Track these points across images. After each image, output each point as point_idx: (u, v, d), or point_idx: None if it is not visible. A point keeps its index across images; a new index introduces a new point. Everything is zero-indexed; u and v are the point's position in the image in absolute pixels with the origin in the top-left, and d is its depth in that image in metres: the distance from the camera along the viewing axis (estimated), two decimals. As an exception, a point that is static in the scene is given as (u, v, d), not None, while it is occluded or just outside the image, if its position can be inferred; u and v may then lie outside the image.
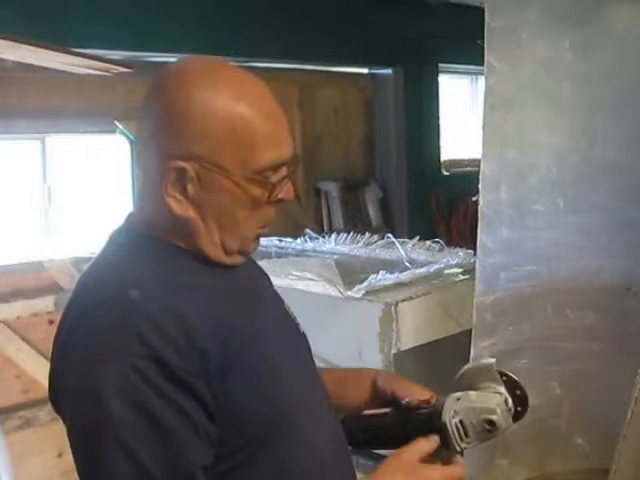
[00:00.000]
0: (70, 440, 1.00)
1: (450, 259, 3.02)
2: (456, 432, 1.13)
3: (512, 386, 1.18)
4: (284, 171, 1.07)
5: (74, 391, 0.97)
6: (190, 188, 1.03)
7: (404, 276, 2.76)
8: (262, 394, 1.03)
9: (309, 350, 1.22)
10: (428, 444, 1.12)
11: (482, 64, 2.34)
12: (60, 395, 1.02)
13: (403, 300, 2.53)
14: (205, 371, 0.97)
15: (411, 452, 1.10)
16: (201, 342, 0.97)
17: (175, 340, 0.96)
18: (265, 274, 1.26)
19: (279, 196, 1.07)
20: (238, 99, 1.03)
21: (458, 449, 1.14)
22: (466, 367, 1.22)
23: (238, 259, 1.11)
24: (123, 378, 0.93)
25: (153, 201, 1.06)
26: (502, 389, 1.17)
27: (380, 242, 3.43)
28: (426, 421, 1.15)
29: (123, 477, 0.92)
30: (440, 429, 1.13)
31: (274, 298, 1.22)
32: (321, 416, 1.15)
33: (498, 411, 1.14)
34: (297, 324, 1.23)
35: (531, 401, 1.19)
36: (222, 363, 0.99)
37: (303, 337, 1.23)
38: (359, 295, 2.58)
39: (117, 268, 1.05)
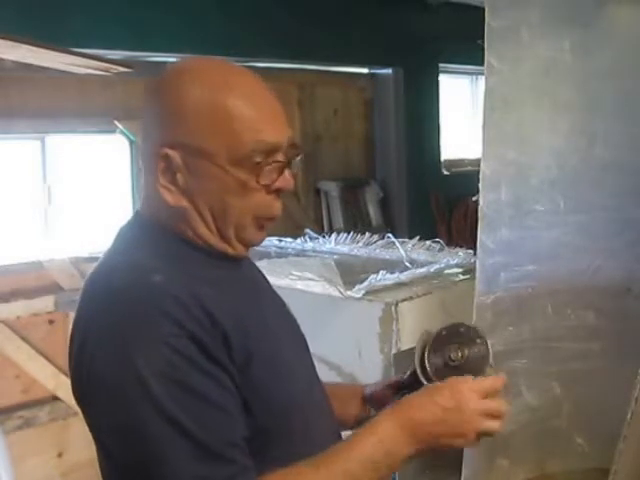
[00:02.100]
0: (105, 427, 0.98)
1: (450, 259, 3.02)
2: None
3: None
4: (279, 157, 1.07)
5: (112, 380, 0.96)
6: (180, 177, 1.04)
7: (404, 276, 2.76)
8: (275, 387, 1.04)
9: (308, 350, 1.24)
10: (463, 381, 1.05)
11: (482, 64, 2.34)
12: (90, 385, 1.00)
13: (403, 300, 2.53)
14: (229, 355, 0.99)
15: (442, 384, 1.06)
16: (223, 327, 0.99)
17: (202, 321, 0.97)
18: (263, 275, 1.27)
19: (277, 185, 1.07)
20: (221, 85, 1.05)
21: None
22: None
23: (240, 249, 1.11)
24: (162, 358, 0.94)
25: (152, 195, 1.08)
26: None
27: (380, 242, 3.43)
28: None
29: (178, 449, 0.92)
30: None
31: (276, 298, 1.24)
32: (322, 414, 1.16)
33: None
34: (297, 324, 1.25)
35: (531, 401, 1.19)
36: (243, 352, 1.00)
37: (303, 337, 1.24)
38: (359, 295, 2.57)
39: (133, 258, 1.06)
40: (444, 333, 1.12)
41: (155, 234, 1.08)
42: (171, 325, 0.95)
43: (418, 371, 1.10)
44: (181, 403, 0.94)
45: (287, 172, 1.08)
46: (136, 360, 0.94)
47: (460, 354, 1.08)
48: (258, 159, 1.04)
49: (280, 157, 1.07)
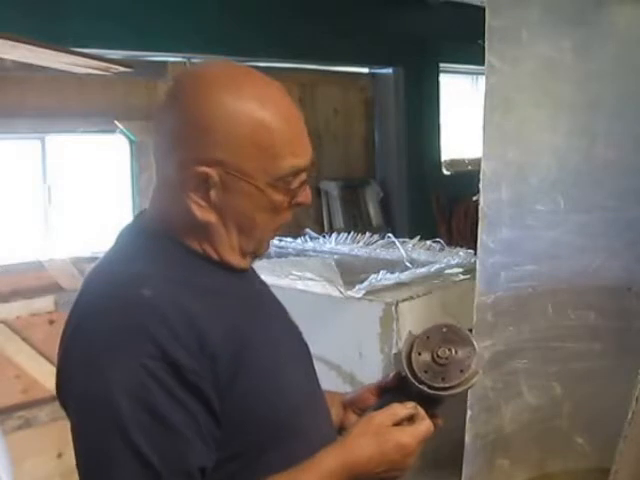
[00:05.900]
0: (75, 437, 0.99)
1: (451, 259, 3.02)
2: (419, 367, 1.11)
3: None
4: (303, 176, 1.08)
5: (83, 389, 0.97)
6: (213, 194, 1.03)
7: (404, 276, 2.76)
8: (269, 398, 1.03)
9: (311, 359, 1.22)
10: (402, 408, 1.10)
11: (483, 64, 2.34)
12: (68, 393, 1.01)
13: (404, 300, 2.54)
14: (214, 374, 0.97)
15: (383, 415, 1.09)
16: (212, 346, 0.98)
17: (186, 342, 0.96)
18: (267, 285, 1.25)
19: (298, 200, 1.08)
20: (261, 104, 1.04)
21: (429, 390, 1.10)
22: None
23: (249, 262, 1.12)
24: (133, 377, 0.93)
25: (172, 204, 1.06)
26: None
27: (380, 242, 3.44)
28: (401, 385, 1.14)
29: (128, 471, 0.93)
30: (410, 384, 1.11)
31: (279, 307, 1.22)
32: (324, 424, 1.16)
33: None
34: (300, 333, 1.23)
35: (531, 401, 1.18)
36: (232, 367, 0.99)
37: (306, 346, 1.23)
38: (359, 295, 2.58)
39: (128, 265, 1.04)
40: (430, 334, 1.14)
41: (158, 240, 1.07)
42: (150, 345, 0.94)
43: (405, 367, 1.12)
44: (140, 424, 0.93)
45: (307, 187, 1.10)
46: (109, 375, 0.94)
47: (447, 352, 1.11)
48: (292, 181, 1.06)
49: (305, 176, 1.09)
